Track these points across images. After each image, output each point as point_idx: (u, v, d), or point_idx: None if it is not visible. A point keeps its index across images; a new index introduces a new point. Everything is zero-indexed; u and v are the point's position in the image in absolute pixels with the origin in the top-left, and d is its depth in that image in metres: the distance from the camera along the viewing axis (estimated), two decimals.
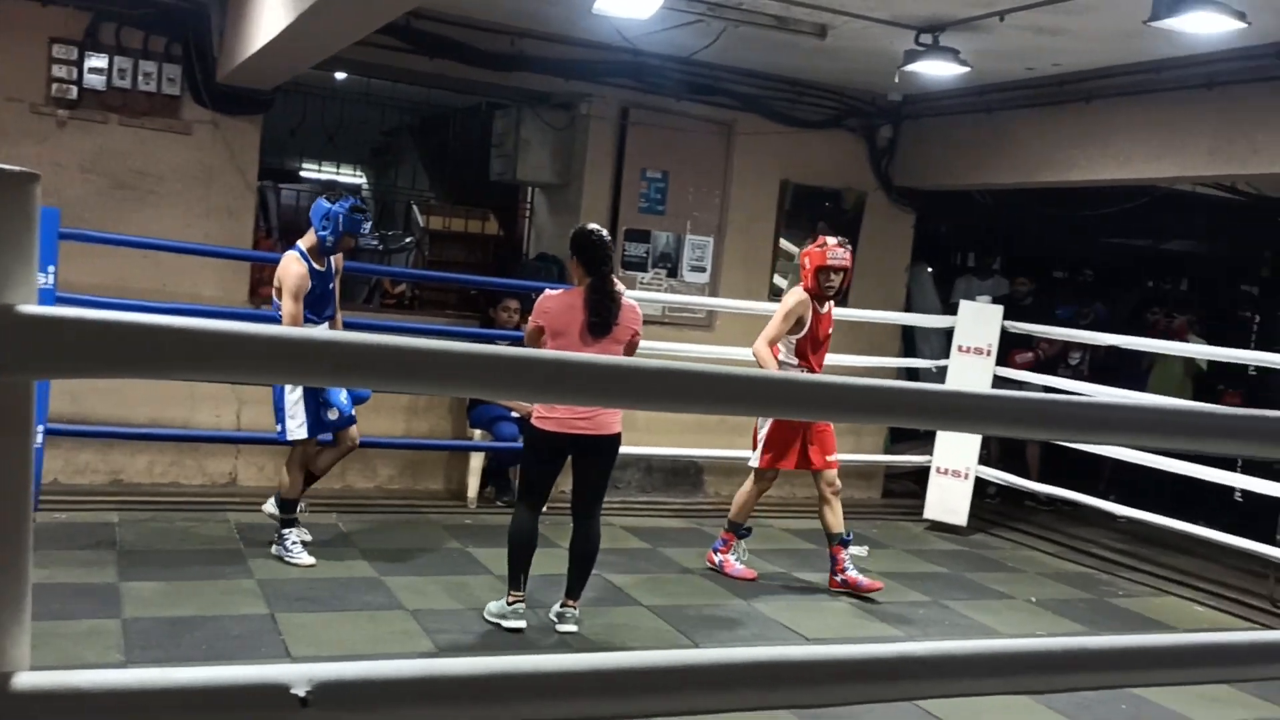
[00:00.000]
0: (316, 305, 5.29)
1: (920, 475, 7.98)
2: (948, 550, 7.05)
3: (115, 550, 5.22)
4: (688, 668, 1.29)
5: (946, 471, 7.54)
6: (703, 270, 7.81)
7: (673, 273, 7.71)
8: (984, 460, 7.69)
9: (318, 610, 4.69)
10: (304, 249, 5.25)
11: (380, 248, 9.58)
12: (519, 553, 4.73)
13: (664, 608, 5.24)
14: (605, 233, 4.81)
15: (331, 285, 5.42)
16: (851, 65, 7.00)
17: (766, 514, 7.49)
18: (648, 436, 7.42)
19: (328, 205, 5.23)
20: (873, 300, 8.14)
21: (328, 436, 5.40)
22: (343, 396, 5.33)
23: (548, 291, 4.86)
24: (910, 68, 6.03)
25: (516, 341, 7.03)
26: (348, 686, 1.13)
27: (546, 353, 1.28)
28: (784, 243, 8.12)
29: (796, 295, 5.65)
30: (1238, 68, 5.68)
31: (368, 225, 5.43)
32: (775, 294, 8.06)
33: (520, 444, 6.88)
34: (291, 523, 5.37)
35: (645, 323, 7.58)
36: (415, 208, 8.68)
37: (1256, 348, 7.87)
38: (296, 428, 5.22)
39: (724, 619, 5.22)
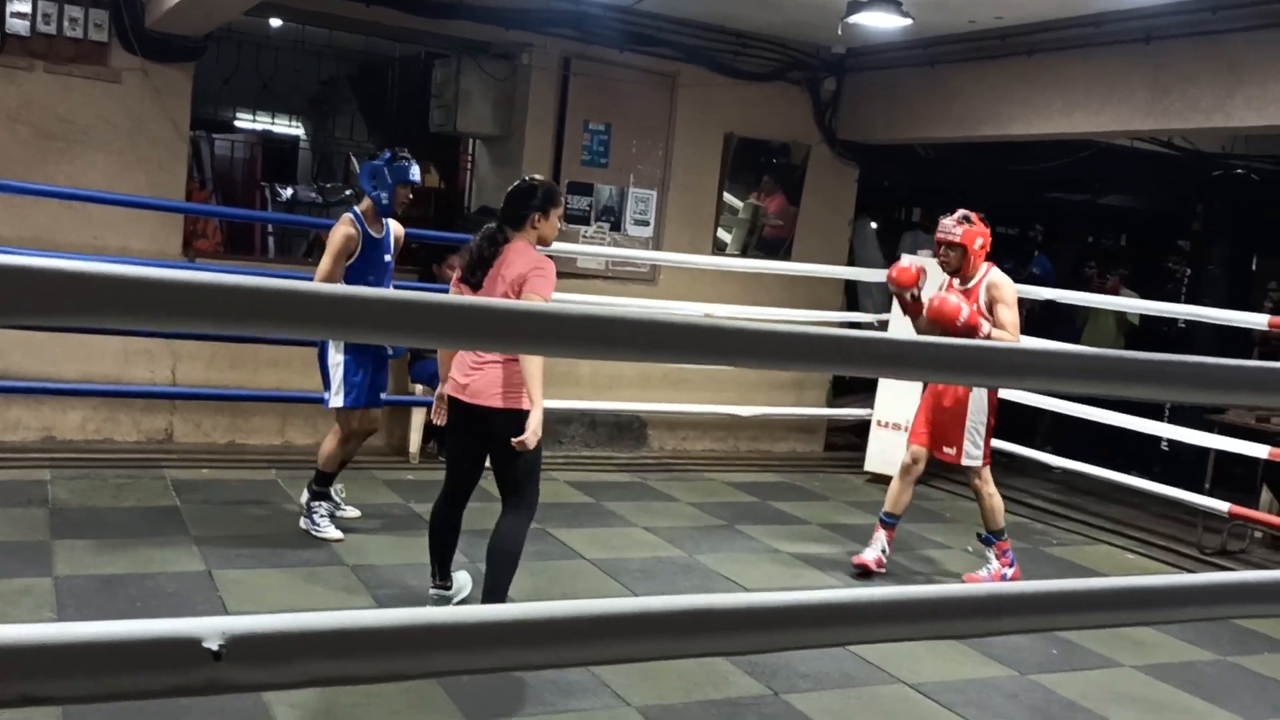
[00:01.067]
0: (365, 272, 4.97)
1: (862, 428, 8.06)
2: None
3: (48, 508, 5.12)
4: (608, 617, 1.28)
5: (886, 424, 7.62)
6: (646, 224, 7.77)
7: (616, 226, 7.67)
8: None
9: (256, 567, 4.65)
10: (359, 211, 5.04)
11: (320, 200, 9.43)
12: (429, 540, 4.34)
13: (606, 561, 5.27)
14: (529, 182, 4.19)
15: (388, 257, 5.13)
16: (795, 17, 6.97)
17: (709, 468, 7.55)
18: (591, 391, 7.43)
19: (371, 163, 5.06)
20: (816, 255, 8.17)
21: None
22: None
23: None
24: (853, 19, 6.00)
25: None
26: (262, 639, 1.11)
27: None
28: (728, 196, 8.11)
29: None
30: (1173, 22, 5.73)
31: (415, 170, 5.14)
32: (719, 248, 8.07)
33: None
34: (324, 496, 5.16)
35: (588, 277, 7.65)
36: (354, 160, 8.52)
37: (1187, 301, 8.03)
38: (335, 394, 4.99)
39: (666, 572, 5.26)
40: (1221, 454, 6.44)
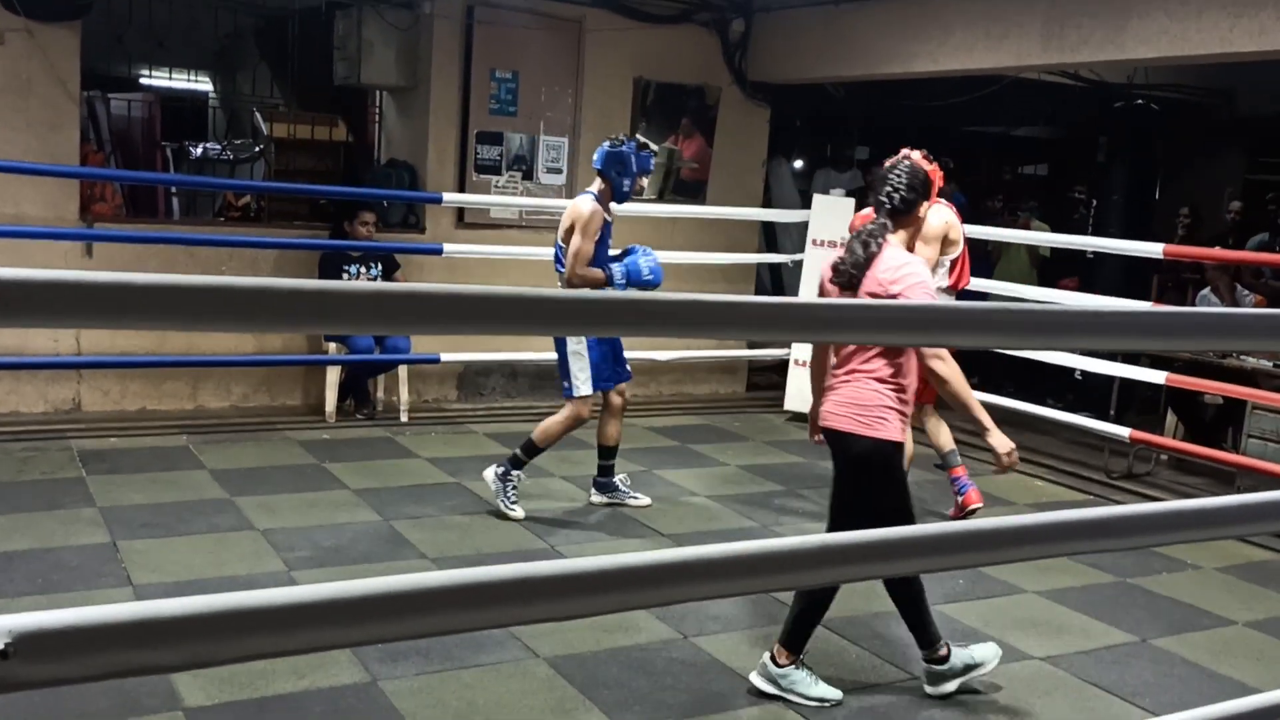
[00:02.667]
0: (601, 254, 5.07)
1: (782, 367, 8.14)
2: (804, 440, 7.19)
3: None
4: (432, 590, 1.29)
5: (803, 363, 7.69)
6: (559, 172, 7.71)
7: (528, 175, 7.60)
8: None
9: (162, 535, 4.60)
10: (595, 192, 5.06)
11: (230, 158, 9.21)
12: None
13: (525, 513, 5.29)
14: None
15: (610, 239, 5.18)
16: None
17: (631, 413, 7.56)
18: (511, 341, 7.40)
19: (617, 149, 5.04)
20: (731, 197, 8.17)
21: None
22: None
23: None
24: None
25: (372, 254, 6.89)
26: (53, 635, 1.10)
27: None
28: (640, 138, 8.05)
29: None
30: None
31: (653, 159, 5.21)
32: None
33: (376, 355, 6.82)
34: (519, 464, 5.20)
35: (502, 227, 7.60)
36: (258, 115, 8.33)
37: (1093, 232, 8.18)
38: (582, 384, 5.09)
39: (584, 523, 5.30)
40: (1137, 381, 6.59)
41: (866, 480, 3.53)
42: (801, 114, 9.33)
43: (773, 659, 3.63)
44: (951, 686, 3.66)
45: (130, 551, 4.40)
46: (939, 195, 4.95)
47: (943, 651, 3.65)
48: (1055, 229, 8.46)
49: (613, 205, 5.19)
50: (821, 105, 8.99)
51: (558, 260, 5.21)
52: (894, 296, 3.32)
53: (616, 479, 5.51)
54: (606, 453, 5.48)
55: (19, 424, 6.09)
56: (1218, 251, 7.60)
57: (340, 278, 6.63)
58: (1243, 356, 6.32)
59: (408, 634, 1.31)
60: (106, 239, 6.34)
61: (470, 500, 5.41)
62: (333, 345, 6.76)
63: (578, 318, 1.38)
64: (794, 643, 3.62)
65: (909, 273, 3.41)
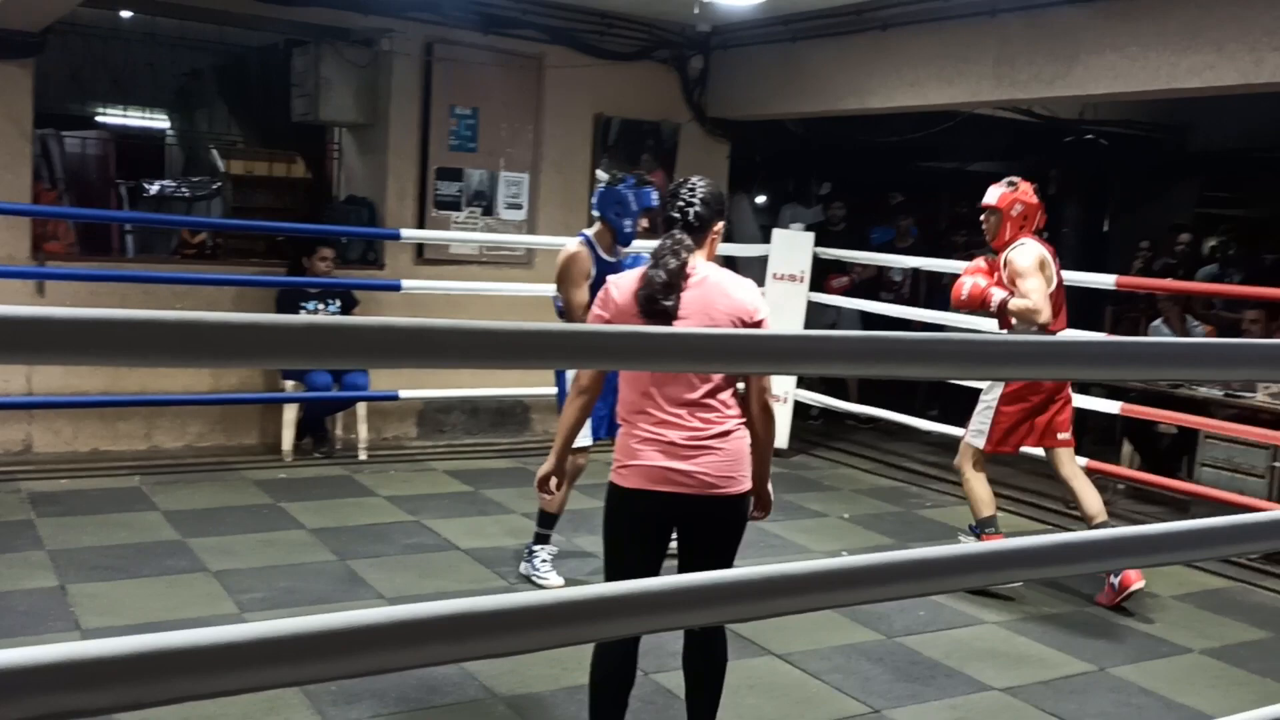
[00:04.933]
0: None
1: None
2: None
3: None
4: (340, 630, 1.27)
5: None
6: (519, 208, 7.72)
7: (488, 211, 7.60)
8: (806, 384, 7.92)
9: (113, 579, 4.52)
10: (589, 235, 4.71)
11: (187, 195, 9.15)
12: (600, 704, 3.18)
13: (482, 550, 5.24)
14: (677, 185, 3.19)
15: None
16: None
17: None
18: (472, 378, 7.37)
19: (613, 189, 4.71)
20: None
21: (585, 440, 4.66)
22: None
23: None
24: None
25: (330, 290, 6.85)
26: None
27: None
28: (602, 175, 8.08)
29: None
30: None
31: (654, 194, 4.78)
32: None
33: (334, 392, 6.76)
34: (545, 539, 4.83)
35: (462, 263, 7.57)
36: (215, 152, 8.29)
37: None
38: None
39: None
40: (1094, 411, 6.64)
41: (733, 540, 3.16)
42: (762, 150, 9.41)
43: None
44: None
45: (80, 595, 4.31)
46: (1034, 231, 4.84)
47: None
48: None
49: (619, 247, 4.79)
50: (782, 141, 9.08)
51: (559, 311, 4.88)
52: (758, 324, 2.99)
53: (538, 549, 4.87)
54: (546, 520, 4.85)
55: None
56: (1169, 283, 7.72)
57: (299, 314, 6.57)
58: (1194, 386, 6.40)
59: (347, 673, 1.28)
60: (59, 277, 6.26)
61: (430, 538, 5.36)
62: (290, 383, 6.69)
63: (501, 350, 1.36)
64: None
65: (763, 303, 3.09)
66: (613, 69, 7.79)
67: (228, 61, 9.25)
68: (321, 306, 6.87)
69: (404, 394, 6.86)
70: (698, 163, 8.29)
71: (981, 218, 4.95)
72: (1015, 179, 4.90)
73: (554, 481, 3.53)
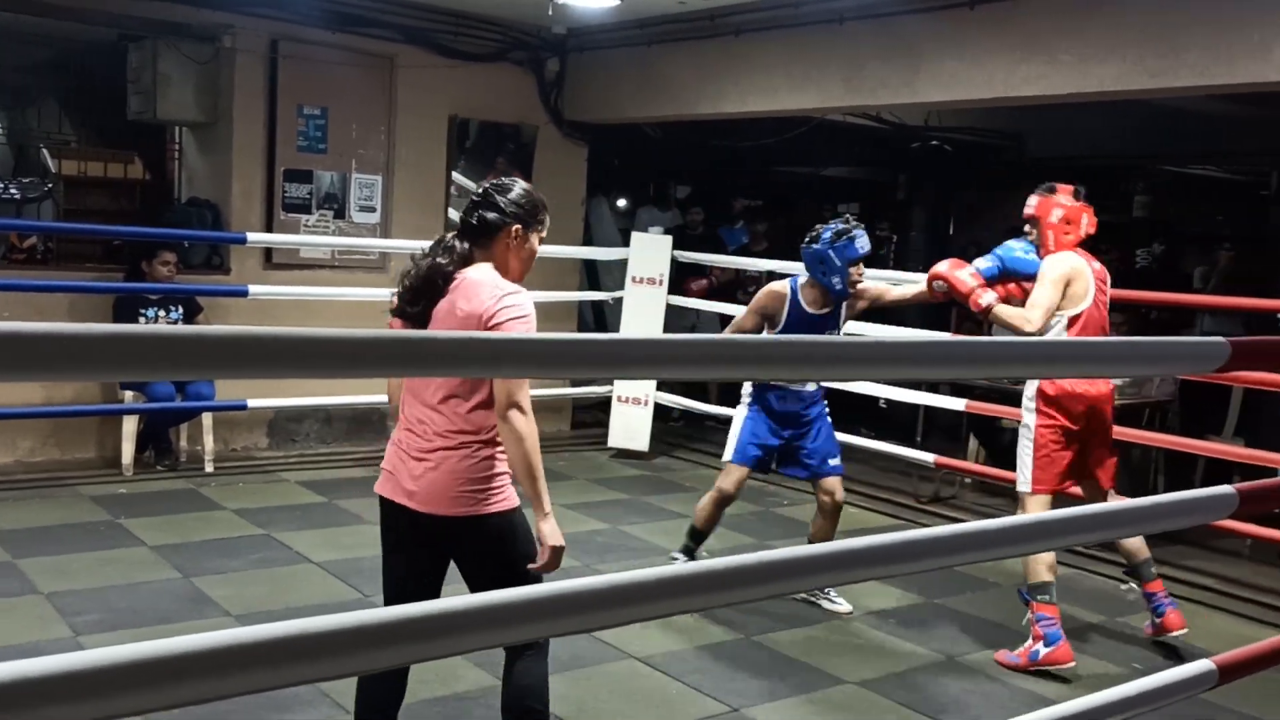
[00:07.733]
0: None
1: (606, 405, 8.15)
2: (630, 476, 7.27)
3: None
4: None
5: (627, 400, 7.74)
6: (372, 210, 7.55)
7: (340, 214, 7.41)
8: (666, 386, 7.96)
9: None
10: (798, 282, 4.77)
11: (16, 197, 8.65)
12: None
13: (336, 562, 5.09)
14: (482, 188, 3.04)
15: (831, 331, 4.75)
16: None
17: (281, 467, 6.95)
18: (325, 385, 7.15)
19: (814, 251, 4.60)
20: (550, 235, 8.08)
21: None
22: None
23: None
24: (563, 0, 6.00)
25: (172, 296, 6.55)
26: None
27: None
28: (462, 179, 7.98)
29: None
30: (862, 5, 6.02)
31: (864, 240, 4.64)
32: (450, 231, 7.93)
33: (177, 403, 6.47)
34: (690, 551, 4.98)
35: (314, 267, 7.35)
36: (45, 152, 7.85)
37: (894, 265, 8.54)
38: (730, 450, 4.93)
39: None
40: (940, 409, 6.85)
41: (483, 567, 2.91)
42: (620, 153, 9.44)
43: None
44: None
45: None
46: (1082, 238, 4.34)
47: None
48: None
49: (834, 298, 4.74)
50: (640, 144, 9.11)
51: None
52: (493, 327, 2.73)
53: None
54: (696, 534, 5.04)
55: None
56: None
57: (137, 321, 6.29)
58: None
59: (176, 701, 1.20)
60: None
61: (281, 552, 5.17)
62: (129, 393, 6.39)
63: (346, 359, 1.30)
64: None
65: (512, 304, 2.78)
66: (468, 70, 7.69)
67: (58, 56, 8.78)
68: (162, 313, 6.58)
69: (252, 403, 6.62)
70: (556, 165, 8.27)
71: (1025, 229, 4.50)
72: (1053, 184, 4.46)
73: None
